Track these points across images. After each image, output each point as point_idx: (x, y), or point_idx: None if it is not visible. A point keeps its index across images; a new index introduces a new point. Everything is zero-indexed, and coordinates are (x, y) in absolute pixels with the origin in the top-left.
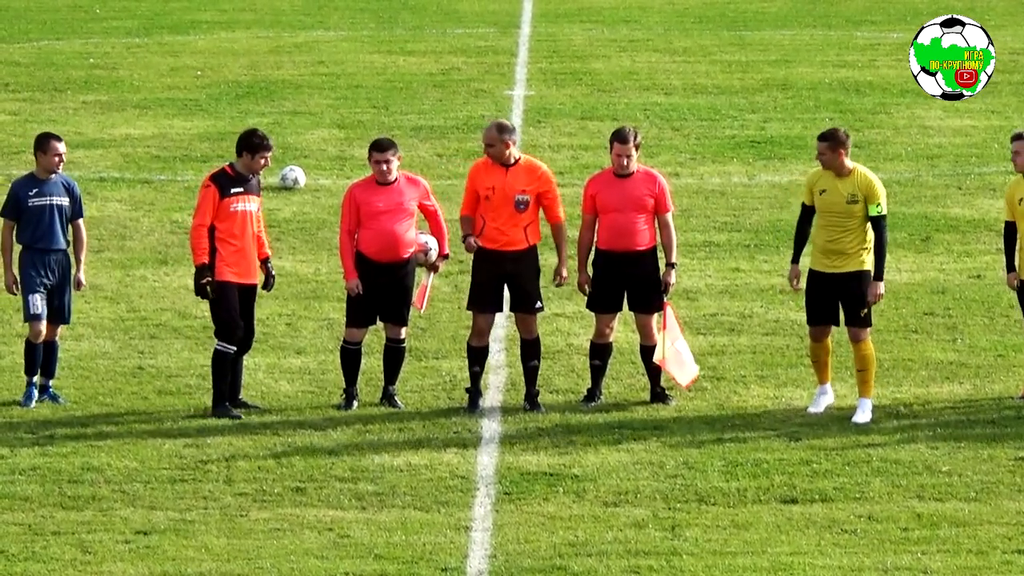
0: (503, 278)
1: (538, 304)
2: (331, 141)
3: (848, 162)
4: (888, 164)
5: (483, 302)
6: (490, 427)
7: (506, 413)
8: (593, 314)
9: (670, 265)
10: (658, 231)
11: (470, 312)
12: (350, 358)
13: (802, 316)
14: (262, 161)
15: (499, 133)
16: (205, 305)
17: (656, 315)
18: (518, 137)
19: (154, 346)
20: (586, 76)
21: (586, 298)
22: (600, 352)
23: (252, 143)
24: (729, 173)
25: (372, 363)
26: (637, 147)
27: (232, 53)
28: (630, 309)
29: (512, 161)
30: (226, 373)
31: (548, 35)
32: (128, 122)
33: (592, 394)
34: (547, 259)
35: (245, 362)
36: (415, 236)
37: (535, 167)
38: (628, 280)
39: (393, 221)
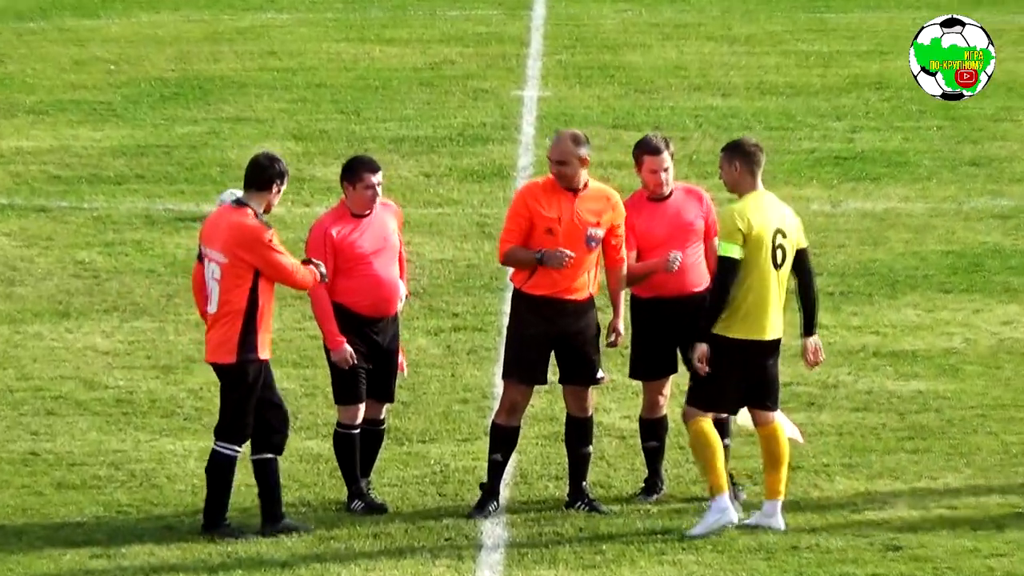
0: (556, 339)
1: (600, 374)
2: (285, 157)
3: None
4: (1014, 187)
5: (529, 369)
6: (493, 532)
7: (514, 513)
8: (639, 383)
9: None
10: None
11: (473, 385)
12: (350, 446)
13: (903, 387)
14: (275, 191)
15: (575, 146)
16: (120, 373)
17: None
18: (590, 153)
19: (52, 425)
20: (619, 72)
21: (629, 364)
22: (655, 429)
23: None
24: (807, 199)
25: (320, 447)
26: (672, 158)
27: (156, 42)
28: (688, 368)
29: (581, 185)
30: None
31: (569, 18)
32: (19, 132)
33: (653, 485)
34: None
35: (177, 447)
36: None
37: (606, 194)
38: (683, 333)
39: (386, 264)
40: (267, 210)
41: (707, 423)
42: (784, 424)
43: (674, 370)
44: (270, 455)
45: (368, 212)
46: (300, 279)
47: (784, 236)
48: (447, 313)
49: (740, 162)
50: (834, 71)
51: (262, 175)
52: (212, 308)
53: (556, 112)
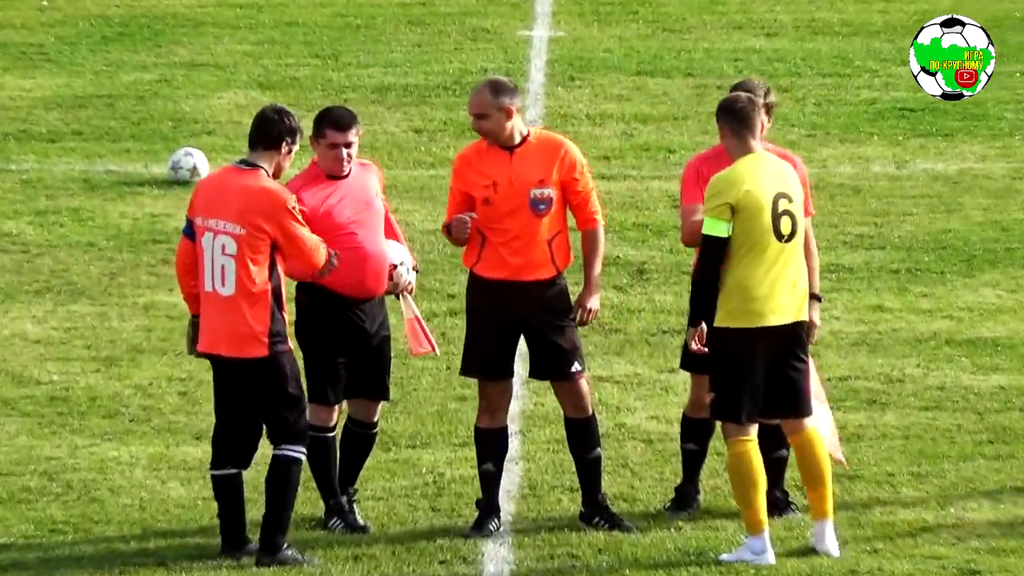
0: (517, 325)
1: (575, 366)
2: (249, 109)
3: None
4: None
5: (488, 363)
6: (496, 555)
7: (521, 531)
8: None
9: (815, 297)
10: None
11: (472, 380)
12: (325, 453)
13: (981, 381)
14: (285, 151)
15: (494, 96)
16: (54, 366)
17: None
18: (524, 102)
19: None
20: (644, 7)
21: (681, 354)
22: (698, 431)
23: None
24: (867, 158)
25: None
26: (768, 110)
27: None
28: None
29: (518, 139)
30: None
31: None
32: None
33: (686, 496)
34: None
35: (122, 453)
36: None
37: (554, 143)
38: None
39: (371, 233)
40: (276, 174)
41: (750, 446)
42: (823, 431)
43: None
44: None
45: (344, 174)
46: (316, 259)
47: (791, 201)
48: (441, 294)
49: (726, 124)
50: (898, 6)
51: (268, 131)
52: (227, 289)
53: (570, 55)
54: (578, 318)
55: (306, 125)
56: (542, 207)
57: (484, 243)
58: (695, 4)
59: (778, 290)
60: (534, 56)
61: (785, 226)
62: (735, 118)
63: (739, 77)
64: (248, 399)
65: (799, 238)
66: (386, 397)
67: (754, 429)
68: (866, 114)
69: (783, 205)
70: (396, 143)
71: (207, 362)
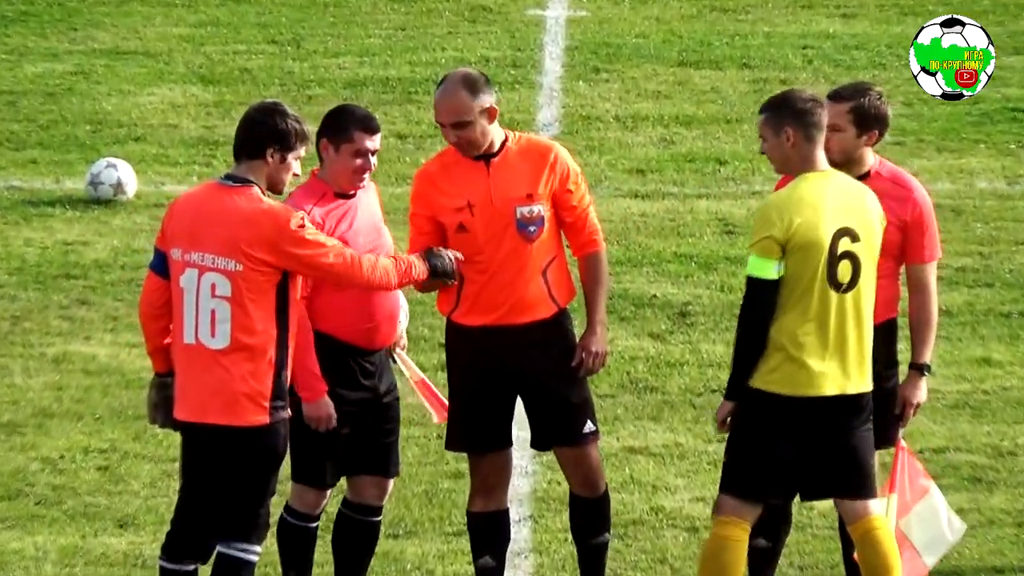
0: (512, 381)
1: (586, 426)
2: (188, 109)
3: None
4: None
5: (478, 432)
6: None
7: None
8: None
9: (914, 367)
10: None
11: (460, 454)
12: (303, 543)
13: None
14: (273, 159)
15: (472, 95)
16: None
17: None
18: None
19: None
20: None
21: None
22: (767, 521)
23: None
24: (971, 172)
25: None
26: (866, 119)
27: None
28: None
29: (496, 147)
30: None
31: None
32: None
33: None
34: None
35: (26, 544)
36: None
37: (539, 148)
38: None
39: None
40: (273, 190)
41: (740, 533)
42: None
43: None
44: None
45: (355, 191)
46: (379, 277)
47: (855, 240)
48: (431, 344)
49: (792, 127)
50: None
51: (249, 135)
52: (218, 341)
53: (593, 41)
54: (582, 365)
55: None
56: (532, 229)
57: (462, 282)
58: None
59: (830, 353)
60: (548, 42)
61: (844, 272)
62: (806, 119)
63: (808, 69)
64: (223, 475)
65: (865, 289)
66: (397, 473)
67: (754, 515)
68: (969, 116)
69: (844, 245)
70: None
71: (139, 422)
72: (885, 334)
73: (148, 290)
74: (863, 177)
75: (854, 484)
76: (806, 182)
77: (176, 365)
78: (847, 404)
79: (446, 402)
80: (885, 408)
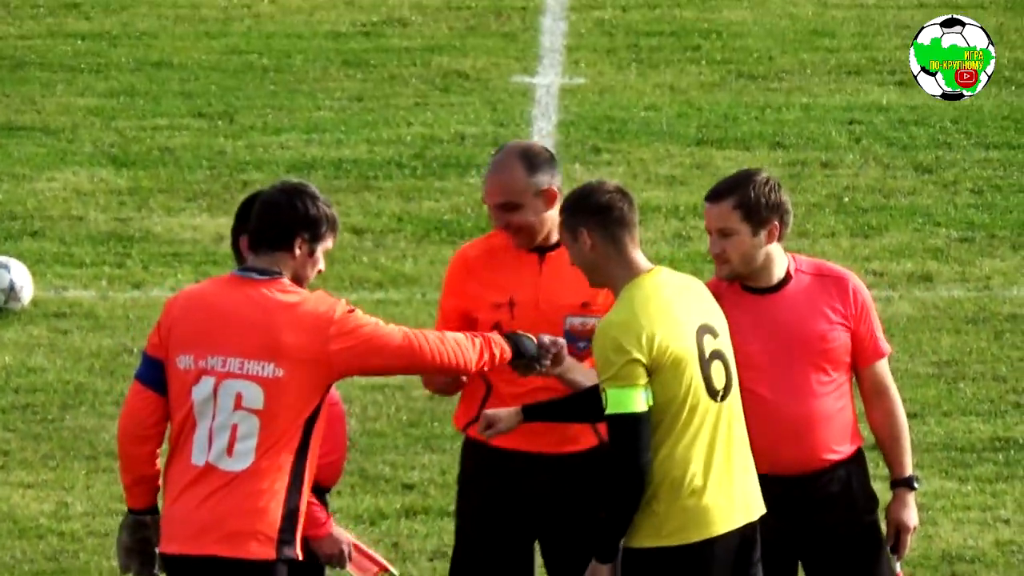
0: (534, 520)
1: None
2: (97, 197)
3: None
4: None
5: (493, 573)
6: None
7: None
8: None
9: (901, 483)
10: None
11: None
12: None
13: None
14: (301, 250)
15: (531, 172)
16: None
17: None
18: (560, 180)
19: None
20: (709, 39)
21: None
22: None
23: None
24: None
25: None
26: (756, 212)
27: None
28: None
29: (554, 240)
30: None
31: None
32: None
33: None
34: None
35: None
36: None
37: None
38: (808, 530)
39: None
40: (298, 283)
41: None
42: None
43: None
44: None
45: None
46: (451, 355)
47: (715, 336)
48: (393, 485)
49: (589, 228)
50: None
51: (273, 221)
52: (238, 462)
53: (594, 115)
54: None
55: (185, 224)
56: (582, 345)
57: (490, 392)
58: (786, 33)
59: (723, 480)
60: (538, 115)
61: (718, 376)
62: (609, 216)
63: (855, 150)
64: None
65: (736, 393)
66: None
67: None
68: None
69: (710, 344)
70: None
71: None
72: (860, 464)
73: (135, 407)
74: (783, 283)
75: None
76: (640, 289)
77: (171, 491)
78: (746, 537)
79: (377, 558)
80: (873, 550)
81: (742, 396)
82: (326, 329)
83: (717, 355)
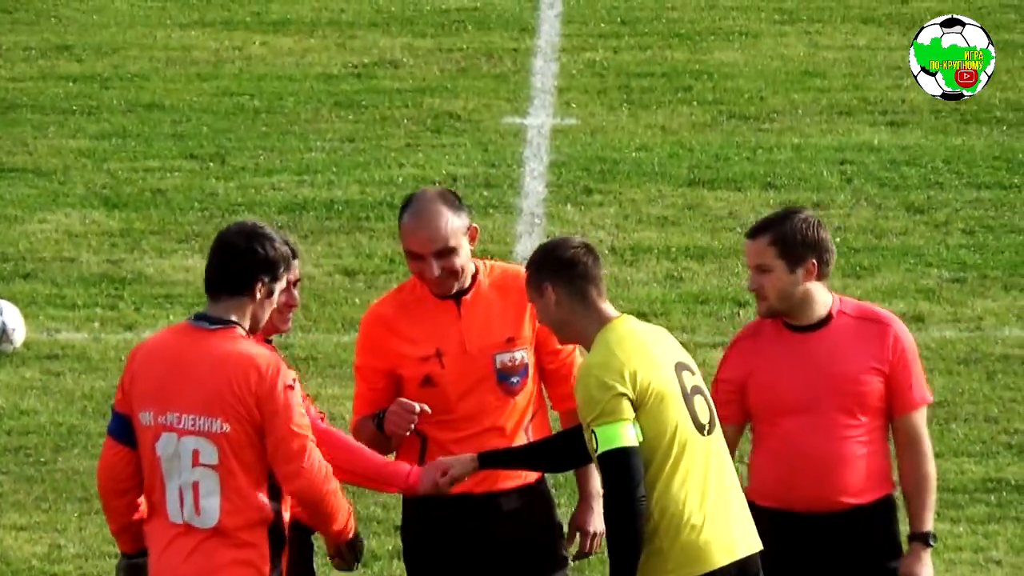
0: (485, 561)
1: None
2: (89, 239)
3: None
4: None
5: None
6: None
7: None
8: None
9: (916, 538)
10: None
11: None
12: None
13: None
14: (262, 294)
15: (456, 213)
16: None
17: None
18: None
19: None
20: (700, 79)
21: None
22: None
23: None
24: None
25: None
26: (792, 249)
27: None
28: None
29: (468, 282)
30: None
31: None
32: None
33: None
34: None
35: None
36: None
37: (518, 279)
38: (819, 572)
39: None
40: (253, 330)
41: None
42: None
43: None
44: None
45: (287, 330)
46: (333, 502)
47: (693, 373)
48: (385, 526)
49: (553, 284)
50: None
51: (232, 265)
52: (204, 519)
53: (584, 155)
54: (578, 547)
55: (177, 266)
56: (515, 380)
57: (425, 447)
58: (777, 72)
59: (717, 514)
60: (529, 157)
61: (701, 410)
62: (573, 271)
63: (847, 190)
64: None
65: (719, 428)
66: None
67: None
68: None
69: (689, 380)
70: (316, 291)
71: None
72: (886, 512)
73: (110, 462)
74: (823, 323)
75: None
76: (613, 331)
77: (154, 548)
78: (745, 569)
79: None
80: None
81: (767, 431)
82: (264, 393)
83: (697, 391)
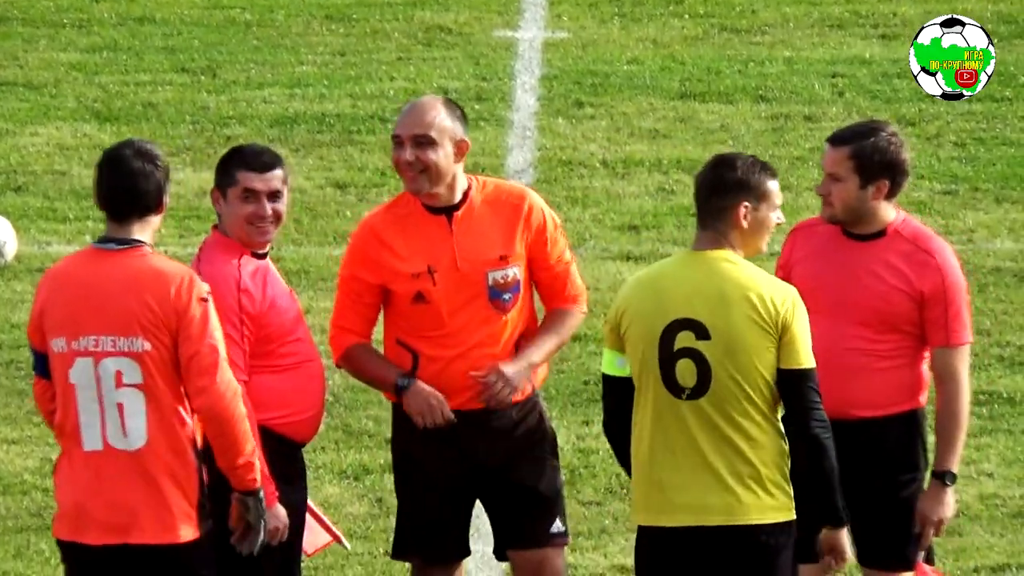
0: (473, 476)
1: (555, 526)
2: (81, 152)
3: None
4: None
5: (431, 537)
6: None
7: None
8: None
9: (935, 476)
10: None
11: (404, 564)
12: None
13: None
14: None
15: (450, 116)
16: None
17: None
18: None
19: None
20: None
21: None
22: None
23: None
24: None
25: None
26: (869, 168)
27: None
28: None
29: (459, 195)
30: None
31: None
32: None
33: None
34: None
35: None
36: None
37: (511, 195)
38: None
39: (311, 340)
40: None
41: None
42: None
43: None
44: None
45: (263, 249)
46: (241, 423)
47: (701, 337)
48: (376, 440)
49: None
50: None
51: (140, 186)
52: (132, 440)
53: (577, 69)
54: (486, 387)
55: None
56: (507, 296)
57: (417, 361)
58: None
59: (683, 474)
60: (520, 70)
61: (685, 374)
62: (696, 195)
63: (839, 103)
64: None
65: (729, 398)
66: None
67: None
68: None
69: (684, 341)
70: (308, 204)
71: (16, 545)
72: (901, 429)
73: (39, 400)
74: (876, 236)
75: None
76: (667, 262)
77: (70, 480)
78: (713, 539)
79: (332, 528)
80: (897, 522)
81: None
82: (180, 304)
83: (690, 353)
